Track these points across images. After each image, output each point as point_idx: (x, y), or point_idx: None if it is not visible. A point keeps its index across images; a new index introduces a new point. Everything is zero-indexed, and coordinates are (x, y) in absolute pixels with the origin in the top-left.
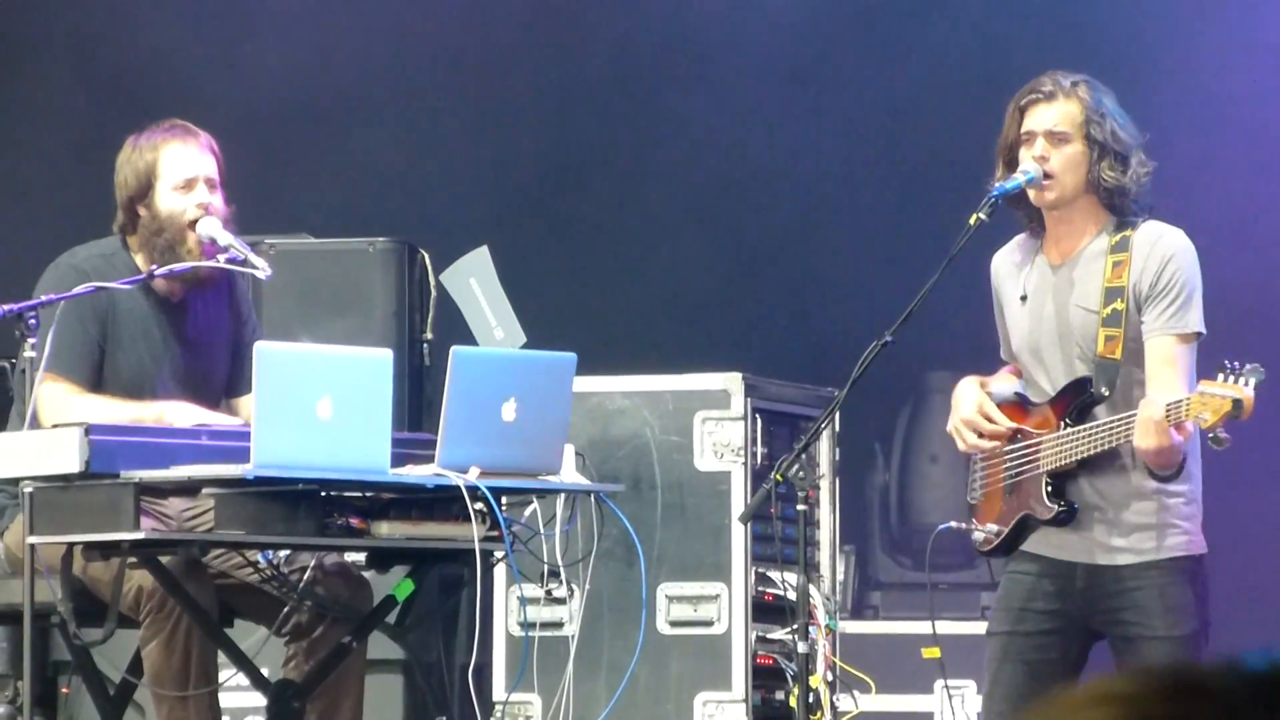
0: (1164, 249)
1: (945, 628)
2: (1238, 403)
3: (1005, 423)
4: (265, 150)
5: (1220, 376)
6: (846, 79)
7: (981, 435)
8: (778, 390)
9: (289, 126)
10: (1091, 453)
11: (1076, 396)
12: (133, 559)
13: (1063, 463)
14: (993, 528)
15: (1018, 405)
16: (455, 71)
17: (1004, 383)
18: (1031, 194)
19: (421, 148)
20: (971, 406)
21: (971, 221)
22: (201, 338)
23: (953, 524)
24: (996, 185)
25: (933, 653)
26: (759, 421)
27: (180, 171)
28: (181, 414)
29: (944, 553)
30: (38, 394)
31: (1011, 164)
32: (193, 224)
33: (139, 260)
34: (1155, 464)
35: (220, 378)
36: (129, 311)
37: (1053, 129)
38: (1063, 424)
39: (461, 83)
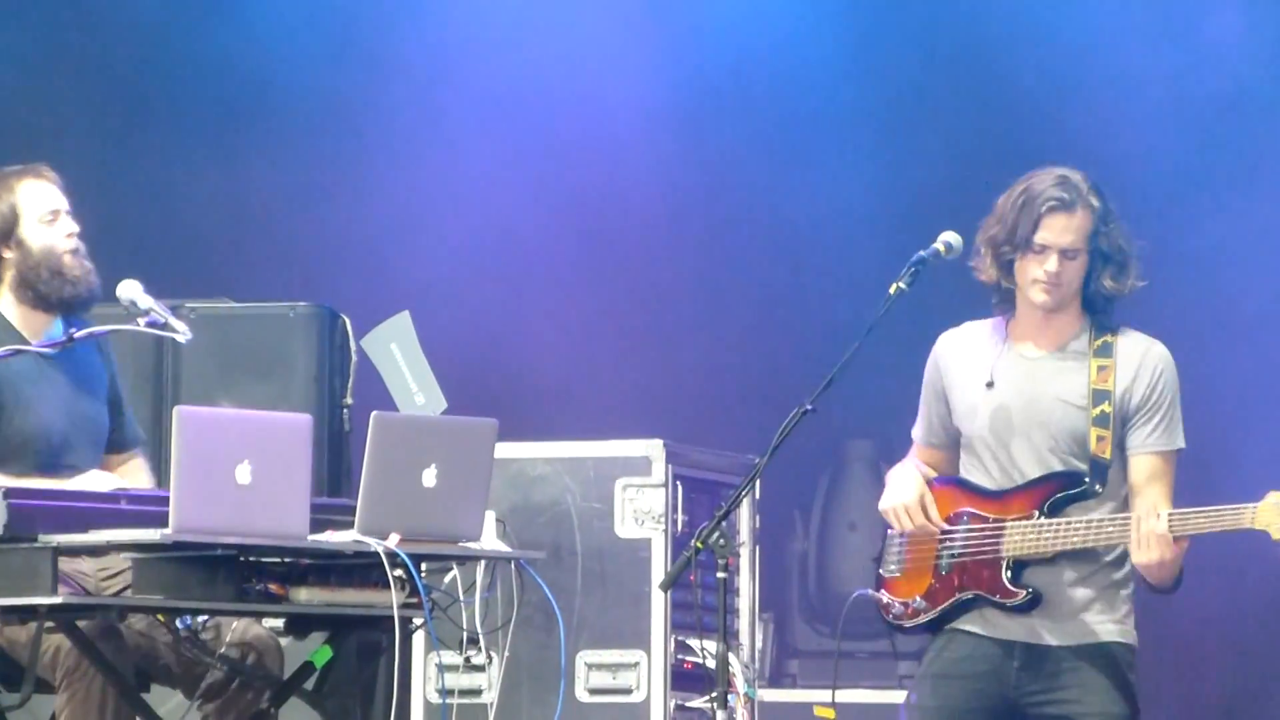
0: (1153, 362)
1: (861, 696)
2: None
3: (938, 525)
4: (187, 214)
5: None
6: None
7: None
8: (699, 457)
9: (210, 189)
10: (1071, 547)
11: (1059, 489)
12: (50, 623)
13: (1035, 552)
14: (921, 602)
15: (957, 488)
16: (379, 133)
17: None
18: (1033, 296)
19: (342, 210)
20: (913, 493)
21: (892, 290)
22: (85, 387)
23: (870, 591)
24: (916, 254)
25: (826, 713)
26: (680, 488)
27: (43, 204)
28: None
29: (860, 621)
30: None
31: (1000, 260)
32: (69, 252)
33: (11, 310)
34: (1156, 578)
35: (105, 427)
36: (17, 372)
37: (1068, 247)
38: (1036, 513)
39: (383, 144)
